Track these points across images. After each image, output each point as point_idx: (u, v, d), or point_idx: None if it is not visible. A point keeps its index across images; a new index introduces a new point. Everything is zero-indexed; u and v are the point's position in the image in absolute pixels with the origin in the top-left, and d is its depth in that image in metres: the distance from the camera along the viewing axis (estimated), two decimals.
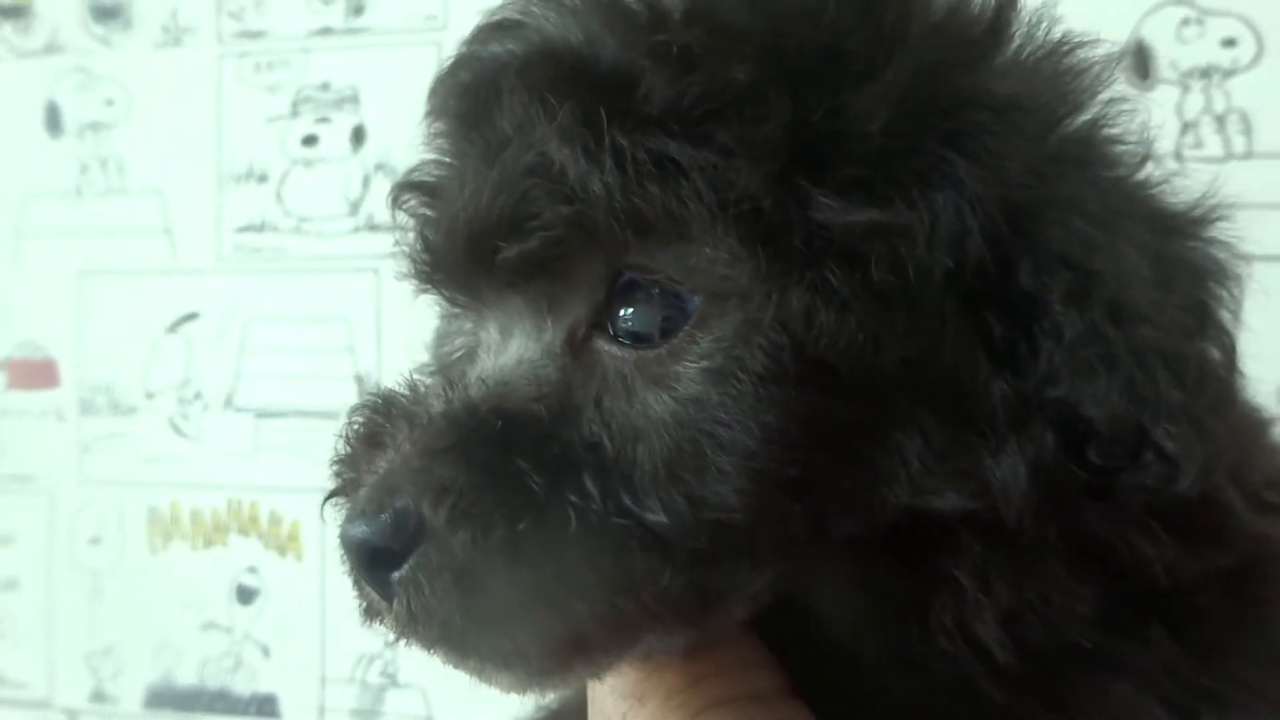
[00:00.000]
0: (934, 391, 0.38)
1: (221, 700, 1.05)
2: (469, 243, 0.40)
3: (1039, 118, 0.40)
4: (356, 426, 0.42)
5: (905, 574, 0.39)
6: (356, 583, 0.40)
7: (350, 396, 1.02)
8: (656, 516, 0.38)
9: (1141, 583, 0.39)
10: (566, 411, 0.39)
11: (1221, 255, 0.42)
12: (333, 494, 0.42)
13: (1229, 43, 0.83)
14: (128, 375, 1.08)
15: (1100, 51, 0.42)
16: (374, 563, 0.38)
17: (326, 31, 1.03)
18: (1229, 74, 0.83)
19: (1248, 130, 0.83)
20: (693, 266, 0.38)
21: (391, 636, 0.40)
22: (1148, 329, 0.38)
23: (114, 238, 1.09)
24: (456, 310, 0.45)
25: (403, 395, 0.42)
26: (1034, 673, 0.39)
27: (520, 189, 0.39)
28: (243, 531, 1.04)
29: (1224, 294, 0.41)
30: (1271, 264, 0.81)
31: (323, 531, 1.02)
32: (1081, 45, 0.42)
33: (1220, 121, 0.83)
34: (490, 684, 0.40)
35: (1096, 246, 0.38)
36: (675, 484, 0.38)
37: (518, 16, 0.43)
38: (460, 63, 0.44)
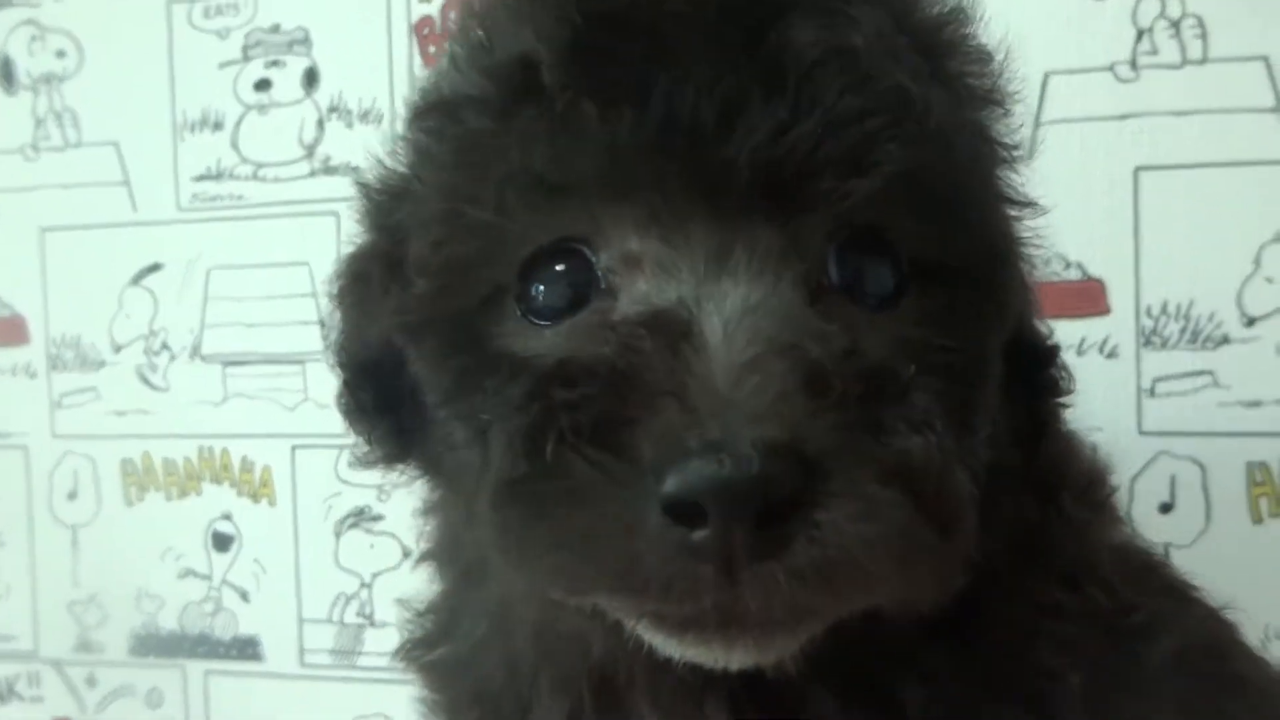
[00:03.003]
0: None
1: (204, 644, 1.06)
2: (761, 166, 0.36)
3: None
4: (624, 363, 0.35)
5: None
6: (722, 532, 0.32)
7: (314, 341, 1.02)
8: (976, 462, 0.38)
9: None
10: (881, 360, 0.37)
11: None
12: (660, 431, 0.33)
13: None
14: (95, 329, 1.08)
15: None
16: (765, 507, 0.32)
17: None
18: None
19: (1204, 35, 0.81)
20: (957, 231, 0.40)
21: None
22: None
23: (73, 192, 1.08)
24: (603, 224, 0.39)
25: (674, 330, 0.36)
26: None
27: (871, 122, 0.36)
28: (215, 479, 1.05)
29: None
30: (1231, 169, 0.81)
31: (294, 476, 1.03)
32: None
33: (1176, 26, 0.82)
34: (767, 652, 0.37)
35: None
36: (961, 436, 0.38)
37: None
38: None
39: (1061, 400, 0.48)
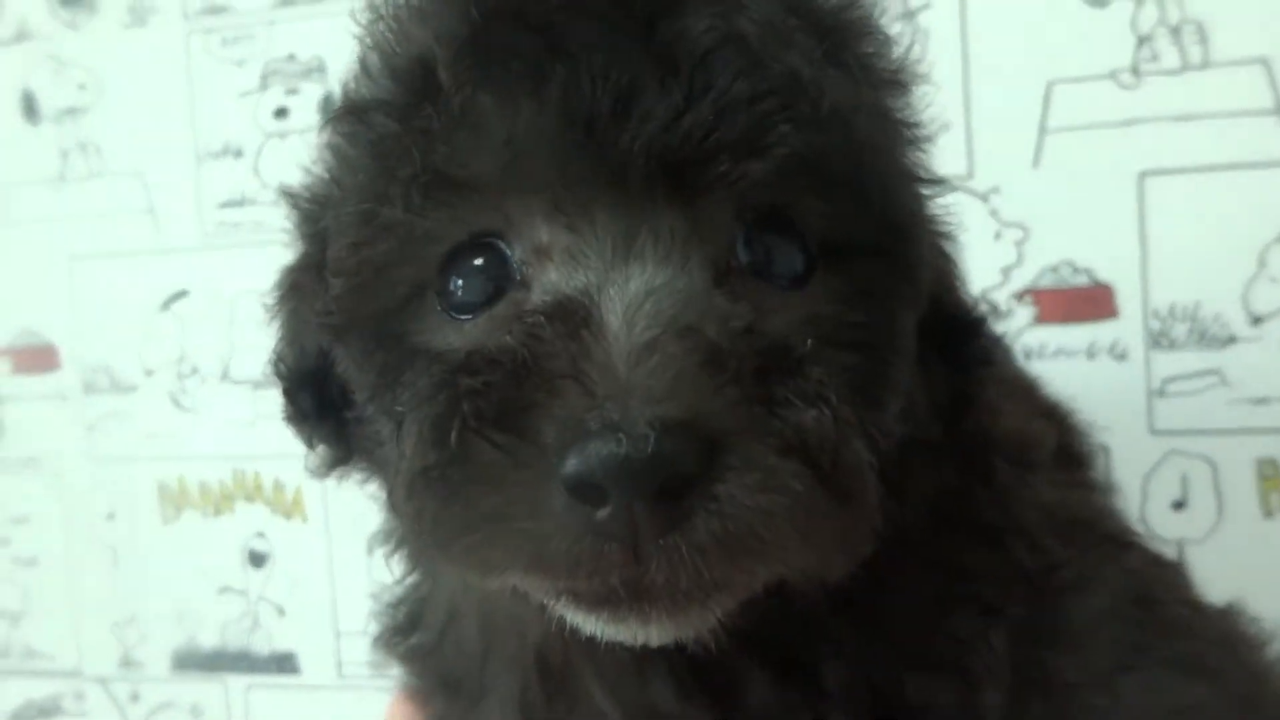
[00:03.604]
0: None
1: (244, 660, 1.09)
2: (658, 152, 0.37)
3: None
4: (523, 354, 0.36)
5: None
6: (622, 510, 0.33)
7: None
8: (885, 435, 0.40)
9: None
10: (777, 337, 0.38)
11: None
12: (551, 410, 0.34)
13: None
14: (126, 354, 1.11)
15: None
16: (663, 484, 0.33)
17: (288, 3, 1.03)
18: None
19: (1203, 40, 0.83)
20: (860, 210, 0.40)
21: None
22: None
23: (100, 221, 1.10)
24: (514, 213, 0.39)
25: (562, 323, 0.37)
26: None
27: (763, 106, 0.37)
28: (249, 498, 1.08)
29: None
30: (1234, 171, 0.82)
31: (325, 494, 1.05)
32: None
33: (1175, 33, 0.83)
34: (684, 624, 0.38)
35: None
36: (867, 408, 0.39)
37: None
38: None
39: (988, 370, 0.48)
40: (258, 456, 1.07)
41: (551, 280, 0.39)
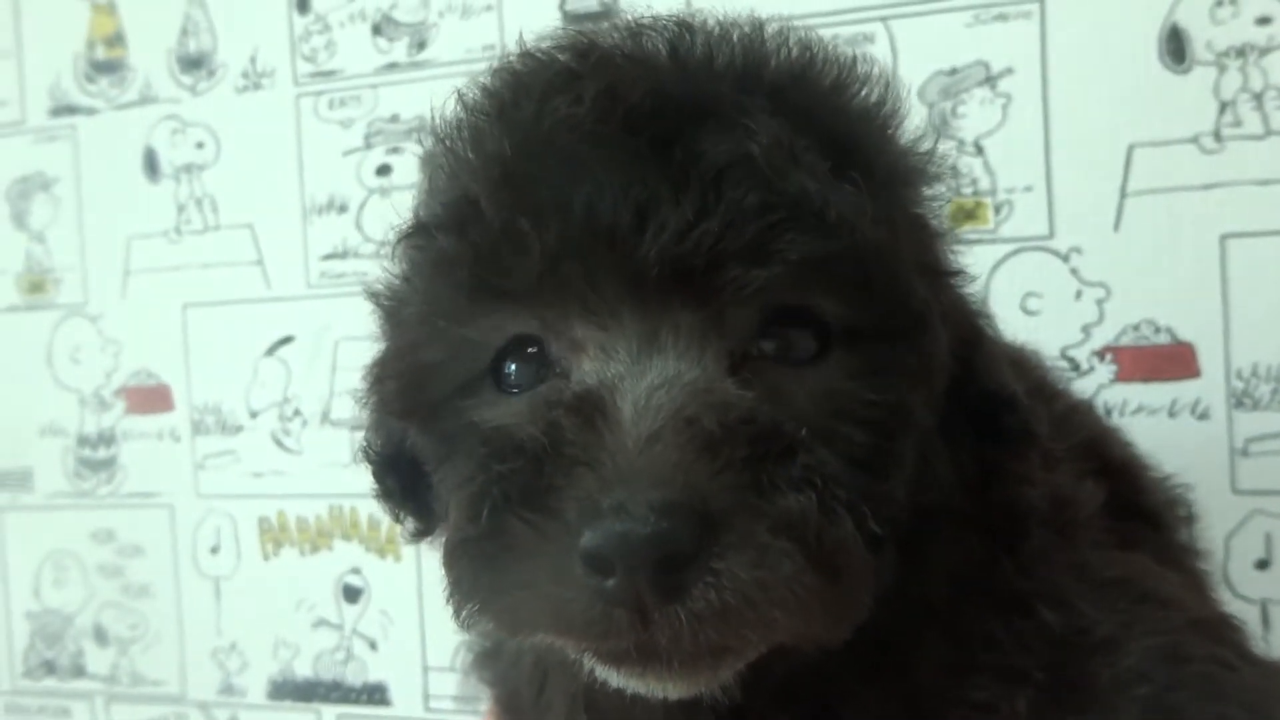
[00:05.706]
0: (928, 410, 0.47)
1: (337, 690, 1.14)
2: (671, 259, 0.41)
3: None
4: (541, 440, 0.41)
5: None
6: (627, 581, 0.38)
7: None
8: (891, 504, 0.43)
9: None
10: (770, 426, 0.41)
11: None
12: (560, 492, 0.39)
13: (1263, 20, 0.84)
14: (233, 397, 1.17)
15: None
16: (663, 562, 0.37)
17: (393, 67, 1.10)
18: (1265, 51, 0.84)
19: None
20: (869, 303, 0.43)
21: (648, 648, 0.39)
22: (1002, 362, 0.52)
23: (212, 271, 1.18)
24: (535, 317, 0.45)
25: (575, 413, 0.41)
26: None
27: (770, 218, 0.41)
28: (345, 536, 1.13)
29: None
30: None
31: None
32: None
33: (1258, 99, 0.85)
34: (692, 683, 0.42)
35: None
36: (873, 480, 0.43)
37: (703, 50, 0.45)
38: (636, 75, 0.43)
39: (1026, 443, 0.50)
40: (355, 496, 1.12)
41: (586, 370, 0.44)
